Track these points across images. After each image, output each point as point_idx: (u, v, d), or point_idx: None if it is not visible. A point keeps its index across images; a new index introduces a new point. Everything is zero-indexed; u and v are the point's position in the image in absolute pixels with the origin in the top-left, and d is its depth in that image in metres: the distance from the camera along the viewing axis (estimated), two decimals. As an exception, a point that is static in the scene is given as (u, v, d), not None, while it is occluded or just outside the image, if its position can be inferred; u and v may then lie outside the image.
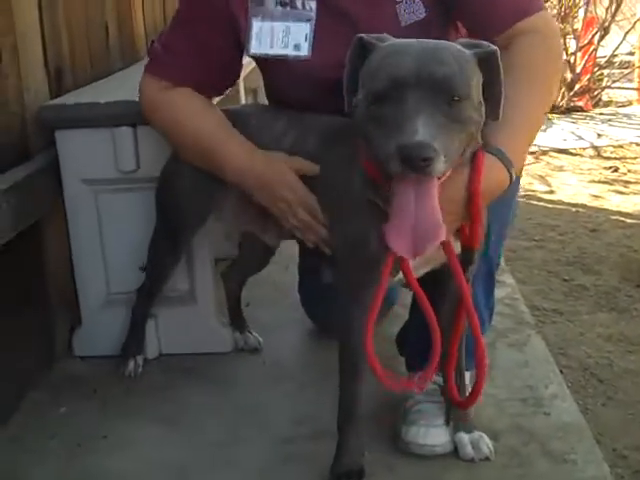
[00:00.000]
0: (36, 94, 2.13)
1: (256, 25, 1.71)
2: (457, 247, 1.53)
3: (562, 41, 5.98)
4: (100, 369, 2.15)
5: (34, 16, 2.13)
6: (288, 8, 1.70)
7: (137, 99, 2.08)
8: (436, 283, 1.62)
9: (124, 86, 2.43)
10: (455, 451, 1.72)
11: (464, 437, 1.73)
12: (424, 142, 1.25)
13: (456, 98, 1.33)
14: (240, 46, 1.76)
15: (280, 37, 1.71)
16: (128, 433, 1.87)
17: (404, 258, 1.47)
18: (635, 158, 4.77)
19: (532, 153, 4.92)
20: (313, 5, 1.69)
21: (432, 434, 1.73)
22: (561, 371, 2.17)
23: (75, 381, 2.11)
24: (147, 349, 2.18)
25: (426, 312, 1.55)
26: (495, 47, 1.42)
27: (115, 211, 2.15)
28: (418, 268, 1.56)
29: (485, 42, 1.43)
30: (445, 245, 1.49)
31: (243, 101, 2.94)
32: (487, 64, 1.40)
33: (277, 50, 1.71)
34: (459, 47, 1.40)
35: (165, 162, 1.97)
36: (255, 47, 1.73)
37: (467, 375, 1.81)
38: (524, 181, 4.37)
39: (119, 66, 2.84)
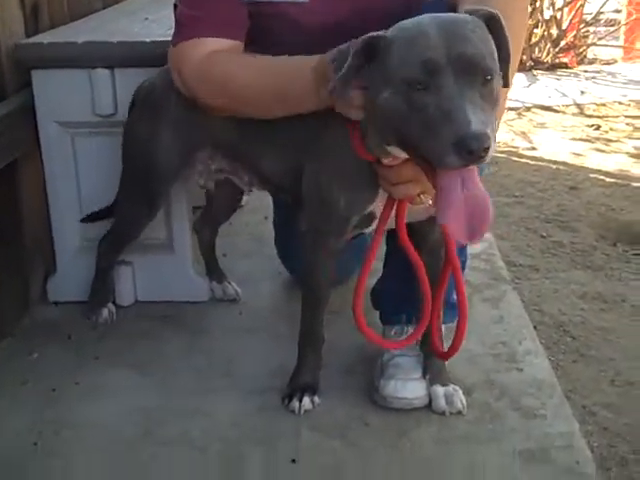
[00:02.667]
0: (11, 32, 2.08)
1: None
2: None
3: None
4: (75, 315, 2.14)
5: (9, -50, 2.07)
6: None
7: (115, 40, 2.04)
8: (414, 235, 1.62)
9: (103, 27, 2.38)
10: (429, 404, 1.75)
11: (439, 390, 1.75)
12: (482, 132, 1.22)
13: (488, 77, 1.30)
14: None
15: None
16: (101, 379, 1.87)
17: (402, 206, 1.51)
18: (617, 117, 4.76)
19: (515, 109, 4.89)
20: None
21: (410, 387, 1.75)
22: (535, 327, 2.19)
23: (49, 327, 2.11)
24: (123, 296, 2.18)
25: (417, 267, 1.61)
26: (495, 10, 1.38)
27: (92, 155, 2.13)
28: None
29: (483, 7, 1.39)
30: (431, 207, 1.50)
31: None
32: (491, 28, 1.37)
33: None
34: (470, 17, 1.36)
35: (129, 116, 1.91)
36: None
37: (443, 328, 1.83)
38: (506, 137, 4.35)
39: (99, 6, 2.77)
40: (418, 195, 1.49)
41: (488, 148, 1.22)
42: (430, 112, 1.26)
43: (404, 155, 1.41)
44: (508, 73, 1.39)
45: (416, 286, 1.66)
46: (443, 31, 1.30)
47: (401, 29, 1.36)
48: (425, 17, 1.36)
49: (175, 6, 1.76)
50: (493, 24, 1.37)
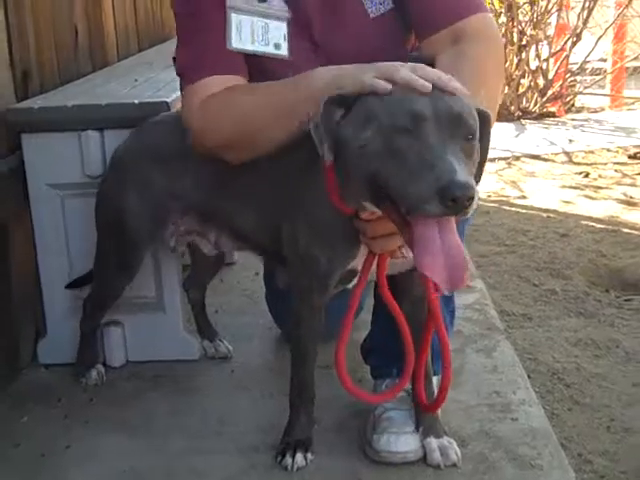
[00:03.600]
0: (2, 96, 2.12)
1: (235, 18, 1.67)
2: None
3: (535, 47, 6.06)
4: (65, 377, 2.13)
5: (-1, 17, 2.11)
6: (264, 5, 1.67)
7: (104, 103, 2.07)
8: (397, 287, 1.62)
9: (92, 90, 2.42)
10: (424, 457, 1.72)
11: (433, 442, 1.73)
12: (468, 182, 1.22)
13: (470, 137, 1.32)
14: None
15: (260, 34, 1.68)
16: (92, 443, 1.85)
17: (382, 260, 1.51)
18: (606, 164, 4.81)
19: (505, 159, 4.95)
20: (285, 5, 1.68)
21: (403, 441, 1.73)
22: (529, 376, 2.19)
23: (39, 390, 2.09)
24: (113, 357, 2.17)
25: (398, 320, 1.61)
26: (490, 112, 1.41)
27: (82, 216, 2.13)
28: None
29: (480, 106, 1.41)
30: None
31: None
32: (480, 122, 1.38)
33: (258, 47, 1.68)
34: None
35: (102, 181, 1.93)
36: (236, 41, 1.68)
37: (434, 380, 1.81)
38: (497, 186, 4.40)
39: (88, 69, 2.82)
40: (399, 248, 1.49)
41: (472, 198, 1.22)
42: (412, 157, 1.27)
43: (378, 211, 1.41)
44: (482, 169, 1.40)
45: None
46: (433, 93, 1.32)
47: None
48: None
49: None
50: (486, 121, 1.39)
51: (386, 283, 1.57)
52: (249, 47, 1.69)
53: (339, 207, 1.49)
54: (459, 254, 1.32)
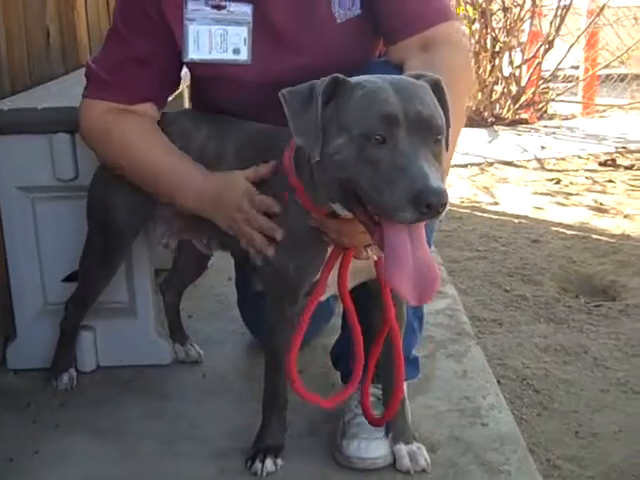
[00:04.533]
0: (-28, 99, 2.09)
1: (192, 30, 1.69)
2: None
3: (508, 54, 6.11)
4: (34, 382, 2.11)
5: (-30, 19, 2.10)
6: (224, 11, 1.68)
7: (77, 105, 2.05)
8: (369, 297, 1.63)
9: (64, 92, 2.40)
10: (393, 463, 1.73)
11: (402, 448, 1.74)
12: (441, 187, 1.23)
13: (439, 137, 1.34)
14: (178, 53, 1.73)
15: (218, 41, 1.69)
16: (61, 448, 1.84)
17: (347, 257, 1.50)
18: (577, 170, 4.87)
19: (478, 164, 4.99)
20: (248, 9, 1.68)
21: (373, 447, 1.73)
22: (499, 381, 2.21)
23: (8, 394, 2.07)
24: (84, 362, 2.15)
25: (352, 326, 1.60)
26: (439, 77, 1.43)
27: (53, 219, 2.12)
28: (349, 280, 1.57)
29: (428, 73, 1.43)
30: (377, 262, 1.53)
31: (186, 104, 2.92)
32: (435, 93, 1.40)
33: (216, 55, 1.70)
34: (420, 81, 1.39)
35: (94, 174, 1.93)
36: (193, 52, 1.70)
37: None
38: (469, 192, 4.43)
39: (60, 71, 2.80)
40: (364, 247, 1.49)
41: (446, 204, 1.24)
42: (385, 164, 1.27)
43: (349, 214, 1.41)
44: (448, 137, 1.41)
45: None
46: (400, 90, 1.33)
47: (360, 81, 1.37)
48: (379, 76, 1.39)
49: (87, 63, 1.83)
50: (437, 89, 1.40)
51: (347, 285, 1.56)
52: (206, 56, 1.70)
53: (311, 209, 1.49)
54: (429, 265, 1.33)
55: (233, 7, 1.68)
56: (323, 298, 1.63)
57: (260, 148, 1.64)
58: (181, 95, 2.73)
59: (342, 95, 1.36)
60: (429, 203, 1.22)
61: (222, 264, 2.60)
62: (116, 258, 1.98)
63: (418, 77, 1.41)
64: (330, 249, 1.54)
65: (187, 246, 2.01)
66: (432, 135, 1.32)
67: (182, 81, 1.90)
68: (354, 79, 1.38)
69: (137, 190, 1.81)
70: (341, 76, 1.37)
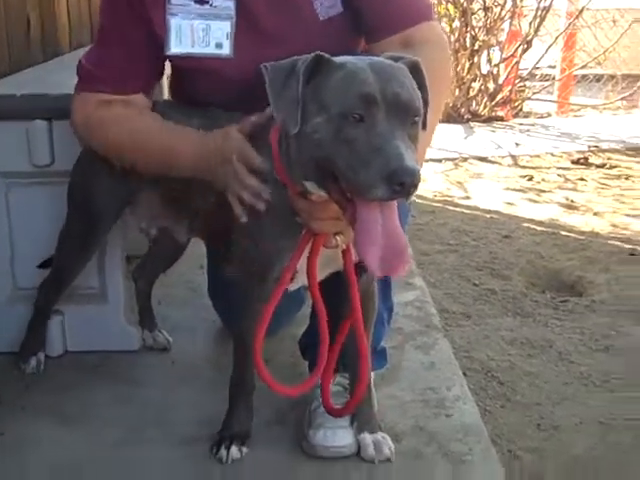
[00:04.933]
0: (-51, 84, 2.08)
1: (175, 24, 1.70)
2: (355, 254, 1.56)
3: (487, 52, 6.14)
4: (2, 366, 2.11)
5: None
6: (207, 6, 1.69)
7: (53, 93, 2.06)
8: (341, 287, 1.64)
9: (42, 79, 2.41)
10: (358, 451, 1.75)
11: (367, 437, 1.76)
12: (415, 167, 1.26)
13: (416, 118, 1.36)
14: (159, 46, 1.74)
15: (201, 36, 1.70)
16: (26, 432, 1.84)
17: (317, 243, 1.51)
18: (549, 168, 4.91)
19: (452, 159, 5.02)
20: (231, 4, 1.69)
21: (339, 436, 1.75)
22: (464, 373, 2.23)
23: (-26, 377, 2.07)
24: (52, 346, 2.16)
25: (318, 315, 1.61)
26: (417, 57, 1.45)
27: (27, 205, 2.13)
28: (319, 271, 1.58)
29: (405, 55, 1.46)
30: (344, 251, 1.54)
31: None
32: (413, 74, 1.43)
33: (198, 49, 1.70)
34: (398, 63, 1.42)
35: (77, 159, 1.94)
36: (176, 46, 1.71)
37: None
38: (442, 187, 4.46)
39: (40, 59, 2.80)
40: (334, 235, 1.50)
41: (417, 184, 1.26)
42: (362, 144, 1.30)
43: (321, 193, 1.43)
44: (426, 118, 1.44)
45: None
46: (378, 72, 1.36)
47: (340, 62, 1.39)
48: (359, 58, 1.42)
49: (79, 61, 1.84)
50: (415, 71, 1.43)
51: (316, 274, 1.57)
52: (189, 50, 1.71)
53: (287, 185, 1.50)
54: (399, 241, 1.36)
55: (217, 2, 1.69)
56: (293, 287, 1.64)
57: (251, 137, 1.64)
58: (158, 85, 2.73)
59: (323, 74, 1.38)
60: (402, 182, 1.25)
61: (193, 251, 2.60)
62: (94, 242, 1.99)
63: (397, 59, 1.43)
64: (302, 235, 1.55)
65: (164, 233, 2.01)
66: (409, 117, 1.34)
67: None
68: (336, 59, 1.40)
69: (118, 174, 1.82)
70: (325, 55, 1.39)
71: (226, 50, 1.70)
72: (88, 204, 1.92)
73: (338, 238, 1.51)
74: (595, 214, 4.01)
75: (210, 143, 1.64)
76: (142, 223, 1.97)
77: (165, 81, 2.76)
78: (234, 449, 1.73)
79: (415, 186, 1.26)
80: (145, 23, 1.72)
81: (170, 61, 1.81)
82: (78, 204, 1.95)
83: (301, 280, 1.61)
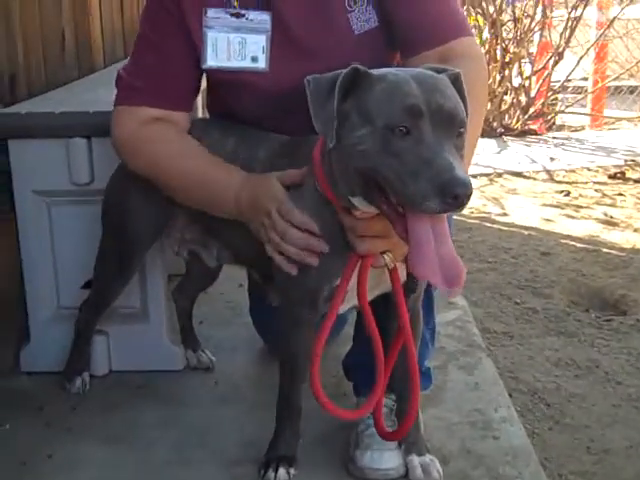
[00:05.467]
0: (-11, 102, 2.10)
1: (211, 37, 1.69)
2: (402, 274, 1.55)
3: (518, 65, 6.11)
4: (47, 385, 2.12)
5: (-13, 22, 2.11)
6: (243, 19, 1.69)
7: (92, 110, 2.06)
8: (386, 309, 1.62)
9: (80, 96, 2.42)
10: (406, 474, 1.73)
11: (415, 460, 1.74)
12: (467, 179, 1.24)
13: (462, 130, 1.34)
14: (198, 59, 1.73)
15: (237, 49, 1.69)
16: (74, 453, 1.84)
17: (365, 265, 1.49)
18: (586, 183, 4.86)
19: (487, 175, 4.98)
20: (267, 17, 1.69)
21: (386, 458, 1.73)
22: (510, 394, 2.20)
23: (21, 397, 2.08)
24: (97, 366, 2.16)
25: (373, 338, 1.58)
26: (459, 70, 1.44)
27: (68, 223, 2.13)
28: (368, 293, 1.56)
29: (447, 67, 1.45)
30: (392, 269, 1.52)
31: (200, 114, 2.92)
32: (455, 87, 1.41)
33: (234, 62, 1.70)
34: (438, 74, 1.40)
35: (110, 179, 1.93)
36: (212, 59, 1.70)
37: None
38: (478, 203, 4.42)
39: (75, 75, 2.82)
40: (382, 254, 1.48)
41: (471, 195, 1.24)
42: (410, 156, 1.28)
43: (369, 209, 1.41)
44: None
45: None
46: (422, 83, 1.34)
47: (381, 74, 1.38)
48: (399, 69, 1.41)
49: (118, 72, 1.82)
50: (456, 83, 1.41)
51: (367, 294, 1.54)
52: (225, 64, 1.71)
53: (332, 200, 1.48)
54: (452, 253, 1.33)
55: (252, 15, 1.69)
56: (344, 309, 1.62)
57: (291, 155, 1.63)
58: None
59: (363, 86, 1.36)
60: (456, 194, 1.23)
61: (233, 270, 2.59)
62: (131, 266, 1.97)
63: (438, 71, 1.42)
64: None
65: (195, 257, 2.00)
66: (455, 128, 1.33)
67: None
68: (375, 71, 1.39)
69: (155, 196, 1.80)
70: (362, 67, 1.38)
71: (262, 64, 1.70)
72: (124, 226, 1.90)
73: (386, 257, 1.49)
74: (635, 230, 3.96)
75: (248, 192, 1.62)
76: (175, 246, 1.96)
77: (199, 97, 2.80)
78: (282, 471, 1.71)
79: (468, 197, 1.24)
80: (184, 34, 1.71)
81: (206, 74, 1.80)
82: (113, 226, 1.93)
83: (351, 301, 1.59)
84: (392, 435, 1.68)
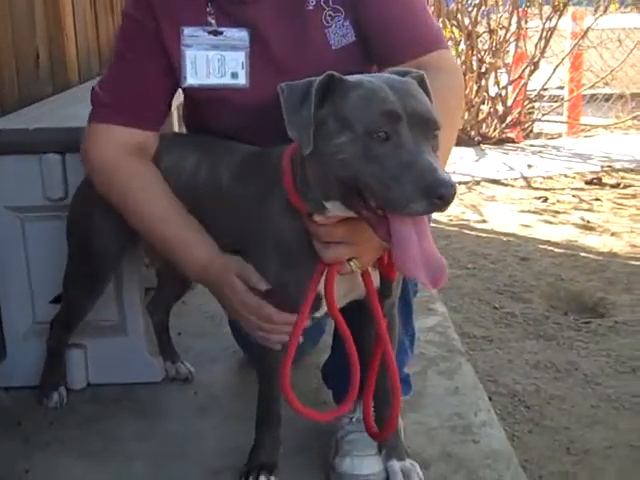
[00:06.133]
0: (-38, 118, 2.09)
1: (190, 55, 1.69)
2: (376, 280, 1.55)
3: (494, 75, 6.17)
4: (25, 400, 2.10)
5: (-40, 39, 2.10)
6: (221, 37, 1.69)
7: (65, 126, 2.06)
8: (362, 314, 1.62)
9: (53, 113, 2.41)
10: (386, 479, 1.72)
11: (395, 465, 1.73)
12: (451, 179, 1.25)
13: (437, 132, 1.35)
14: (174, 77, 1.73)
15: (216, 66, 1.69)
16: (52, 467, 1.83)
17: (331, 273, 1.49)
18: (563, 189, 4.90)
19: (465, 183, 5.01)
20: (245, 34, 1.69)
21: (366, 464, 1.73)
22: (490, 398, 2.20)
23: (-2, 412, 2.06)
24: (74, 379, 2.14)
25: (347, 343, 1.58)
26: (422, 72, 1.45)
27: (42, 239, 2.12)
28: (340, 299, 1.56)
29: (411, 69, 1.46)
30: (364, 275, 1.52)
31: (177, 129, 2.92)
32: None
33: (214, 80, 1.70)
34: (410, 79, 1.41)
35: (73, 197, 1.92)
36: (191, 77, 1.70)
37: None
38: (457, 210, 4.44)
39: (49, 91, 2.81)
40: (348, 261, 1.48)
41: (454, 194, 1.25)
42: (392, 161, 1.28)
43: (346, 213, 1.41)
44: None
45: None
46: (396, 89, 1.35)
47: (356, 80, 1.38)
48: (371, 75, 1.42)
49: (93, 89, 1.81)
50: (423, 85, 1.43)
51: (335, 301, 1.53)
52: (204, 81, 1.70)
53: (296, 204, 1.47)
54: (434, 252, 1.34)
55: (230, 33, 1.69)
56: (319, 315, 1.61)
57: (256, 167, 1.63)
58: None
59: (339, 93, 1.36)
60: (441, 195, 1.23)
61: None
62: (99, 282, 1.95)
63: (404, 74, 1.43)
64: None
65: (168, 267, 1.99)
66: (430, 130, 1.33)
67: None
68: (350, 78, 1.39)
69: (115, 213, 1.78)
70: (336, 74, 1.38)
71: (242, 80, 1.70)
72: (89, 244, 1.88)
73: (352, 264, 1.48)
74: (612, 234, 3.99)
75: (217, 279, 1.63)
76: (146, 259, 1.95)
77: (174, 112, 2.80)
78: (263, 479, 1.71)
79: (453, 197, 1.25)
80: (161, 52, 1.71)
81: (184, 93, 1.80)
82: (78, 243, 1.92)
83: (324, 309, 1.59)
84: (380, 435, 1.68)
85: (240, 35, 1.69)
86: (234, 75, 1.70)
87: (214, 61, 1.70)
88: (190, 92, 1.77)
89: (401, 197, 1.26)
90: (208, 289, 1.70)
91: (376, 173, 1.29)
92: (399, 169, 1.27)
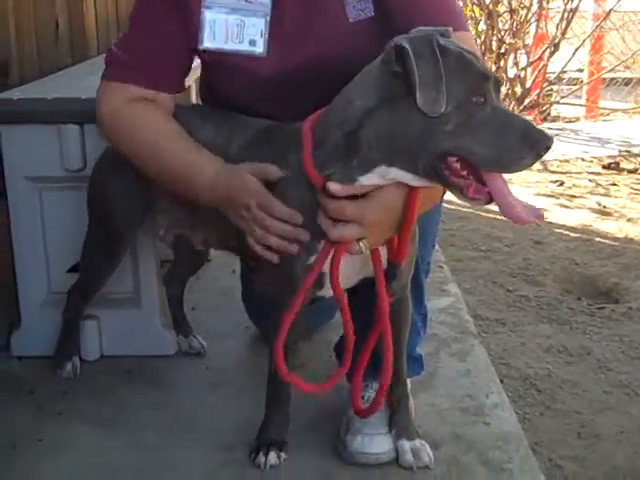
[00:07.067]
0: (-20, 88, 2.09)
1: (209, 17, 1.67)
2: (384, 260, 1.55)
3: (513, 55, 6.11)
4: (38, 370, 2.12)
5: (-21, 7, 2.10)
6: (242, 1, 1.67)
7: (84, 97, 2.05)
8: (371, 294, 1.62)
9: (72, 82, 2.40)
10: (396, 459, 1.73)
11: (405, 444, 1.74)
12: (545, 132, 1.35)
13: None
14: (193, 44, 1.71)
15: (235, 31, 1.67)
16: (65, 436, 1.84)
17: (334, 269, 1.48)
18: (580, 173, 4.87)
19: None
20: (268, 1, 1.67)
21: (376, 442, 1.73)
22: (502, 381, 2.21)
23: (11, 381, 2.08)
24: (88, 351, 2.15)
25: (346, 326, 1.60)
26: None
27: (59, 209, 2.12)
28: (350, 278, 1.56)
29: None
30: (373, 253, 1.52)
31: (194, 98, 2.91)
32: None
33: (231, 45, 1.67)
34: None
35: (95, 166, 1.92)
36: (209, 40, 1.68)
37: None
38: (473, 192, 4.42)
39: (68, 62, 2.80)
40: (357, 241, 1.47)
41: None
42: (494, 123, 1.34)
43: (382, 181, 1.41)
44: None
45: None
46: (467, 50, 1.39)
47: (444, 46, 1.36)
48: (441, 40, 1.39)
49: (109, 48, 1.79)
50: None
51: (339, 282, 1.53)
52: (222, 46, 1.68)
53: (310, 173, 1.46)
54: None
55: None
56: (328, 294, 1.61)
57: (269, 138, 1.62)
58: (188, 89, 2.73)
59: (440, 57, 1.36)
60: (548, 146, 1.33)
61: (225, 257, 2.60)
62: (117, 252, 1.96)
63: (442, 34, 1.44)
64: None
65: (182, 240, 1.99)
66: (500, 88, 1.41)
67: (192, 73, 1.89)
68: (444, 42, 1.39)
69: (140, 181, 1.78)
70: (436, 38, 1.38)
71: (259, 48, 1.67)
72: (109, 212, 1.89)
73: (361, 244, 1.48)
74: (629, 220, 3.97)
75: (222, 185, 1.60)
76: (160, 230, 1.95)
77: (193, 85, 2.79)
78: (272, 455, 1.72)
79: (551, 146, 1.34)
80: (179, 13, 1.69)
81: (200, 58, 1.78)
82: (99, 212, 1.93)
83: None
84: (364, 411, 1.69)
85: (262, 1, 1.66)
86: (252, 42, 1.67)
87: (233, 26, 1.67)
88: (205, 57, 1.74)
89: (512, 155, 1.34)
90: (219, 207, 1.64)
91: (482, 138, 1.34)
92: (503, 130, 1.34)
